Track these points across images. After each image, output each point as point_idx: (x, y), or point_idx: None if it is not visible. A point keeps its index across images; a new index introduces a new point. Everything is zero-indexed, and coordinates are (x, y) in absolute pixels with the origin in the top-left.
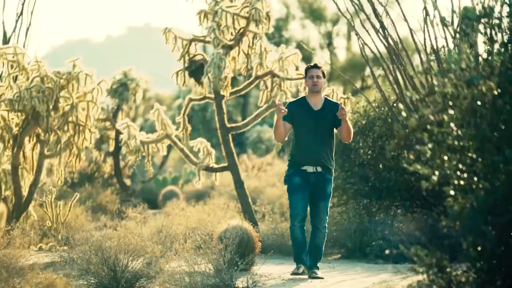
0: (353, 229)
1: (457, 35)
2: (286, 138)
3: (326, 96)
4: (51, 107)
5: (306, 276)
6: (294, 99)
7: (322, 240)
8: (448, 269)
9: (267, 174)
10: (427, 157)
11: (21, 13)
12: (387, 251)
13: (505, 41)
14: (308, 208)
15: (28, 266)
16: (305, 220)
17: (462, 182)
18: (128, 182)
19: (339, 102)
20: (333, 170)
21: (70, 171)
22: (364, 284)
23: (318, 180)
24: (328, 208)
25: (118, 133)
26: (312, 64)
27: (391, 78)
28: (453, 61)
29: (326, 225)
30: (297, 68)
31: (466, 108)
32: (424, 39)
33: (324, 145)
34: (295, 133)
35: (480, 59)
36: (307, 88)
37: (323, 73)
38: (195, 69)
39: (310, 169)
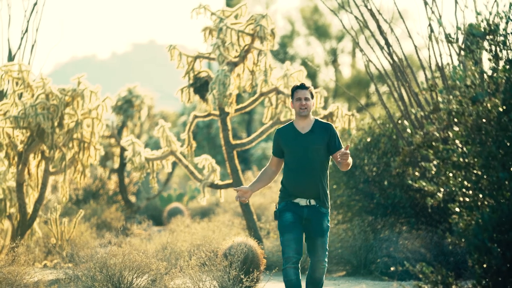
0: (358, 246)
1: (462, 52)
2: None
3: (316, 118)
4: (56, 124)
5: None
6: (281, 126)
7: (322, 274)
8: (453, 286)
9: (272, 191)
10: (432, 174)
11: (26, 30)
12: (392, 268)
13: (510, 58)
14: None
15: (33, 283)
16: (299, 262)
17: (467, 199)
18: (133, 199)
19: (330, 123)
20: (329, 203)
21: (75, 188)
22: None
23: (312, 215)
24: (327, 244)
25: (123, 150)
26: (298, 84)
27: (396, 95)
28: (458, 78)
29: (326, 259)
30: None
31: (471, 125)
32: (429, 56)
33: (316, 173)
34: (285, 161)
35: (485, 76)
36: (293, 111)
37: (311, 93)
38: (200, 86)
39: (302, 202)
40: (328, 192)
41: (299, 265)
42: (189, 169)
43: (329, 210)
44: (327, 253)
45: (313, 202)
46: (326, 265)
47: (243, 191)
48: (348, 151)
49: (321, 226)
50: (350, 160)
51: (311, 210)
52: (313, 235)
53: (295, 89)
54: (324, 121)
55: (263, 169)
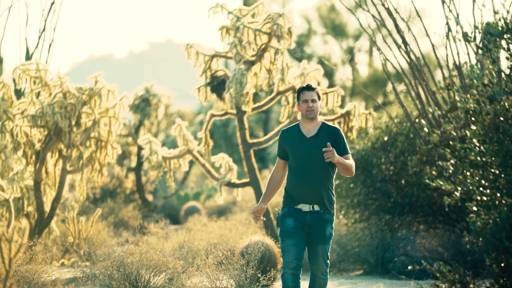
0: (375, 245)
1: (480, 51)
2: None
3: (324, 121)
4: (73, 122)
5: None
6: (286, 127)
7: (323, 286)
8: (471, 285)
9: None
10: (450, 172)
11: (44, 29)
12: (409, 267)
13: None
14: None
15: (50, 281)
16: (299, 268)
17: (485, 198)
18: (150, 197)
19: (337, 127)
20: (333, 210)
21: (92, 186)
22: None
23: (315, 221)
24: (329, 253)
25: (140, 148)
26: (305, 85)
27: (413, 93)
28: (476, 76)
29: (328, 270)
30: (318, 84)
31: (488, 124)
32: (447, 54)
33: (321, 178)
34: (289, 165)
35: (503, 74)
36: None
37: (318, 95)
38: (217, 85)
39: (305, 207)
40: (333, 198)
41: (300, 272)
42: (206, 168)
43: (334, 217)
44: (328, 262)
45: (316, 207)
46: (328, 277)
47: (259, 212)
48: (330, 148)
49: (323, 232)
50: (347, 163)
51: (314, 216)
52: (314, 241)
53: (301, 90)
54: (332, 124)
55: (270, 176)
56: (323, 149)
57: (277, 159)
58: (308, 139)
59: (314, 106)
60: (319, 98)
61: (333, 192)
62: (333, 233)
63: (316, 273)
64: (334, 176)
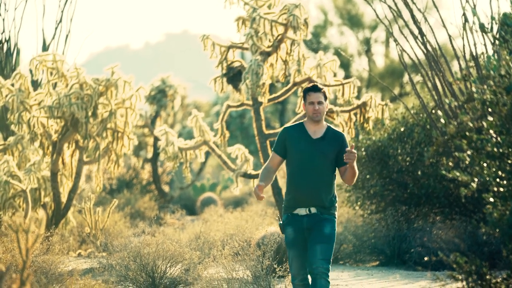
0: (392, 236)
1: (497, 42)
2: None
3: (329, 125)
4: (90, 113)
5: None
6: (291, 124)
7: None
8: (488, 277)
9: None
10: (466, 164)
11: (61, 21)
12: (426, 258)
13: None
14: None
15: (67, 272)
16: (307, 279)
17: (501, 189)
18: (166, 188)
19: (343, 133)
20: (334, 210)
21: (109, 177)
22: None
23: (312, 223)
24: (331, 256)
25: (156, 139)
26: (311, 86)
27: (429, 84)
28: (493, 67)
29: (329, 273)
30: (335, 75)
31: (505, 115)
32: (463, 45)
33: (321, 181)
34: (288, 166)
35: None
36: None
37: (325, 95)
38: (233, 76)
39: (302, 211)
40: (335, 200)
41: (308, 280)
42: (222, 159)
43: (335, 218)
44: (329, 264)
45: (313, 210)
46: (328, 280)
47: (260, 189)
48: (354, 151)
49: (322, 231)
50: (356, 171)
51: (311, 218)
52: (312, 241)
53: (307, 91)
54: (337, 129)
55: (263, 168)
56: (347, 149)
57: (272, 154)
58: (314, 141)
59: (320, 108)
60: (325, 98)
61: (335, 194)
62: (335, 234)
63: (315, 274)
64: (335, 181)
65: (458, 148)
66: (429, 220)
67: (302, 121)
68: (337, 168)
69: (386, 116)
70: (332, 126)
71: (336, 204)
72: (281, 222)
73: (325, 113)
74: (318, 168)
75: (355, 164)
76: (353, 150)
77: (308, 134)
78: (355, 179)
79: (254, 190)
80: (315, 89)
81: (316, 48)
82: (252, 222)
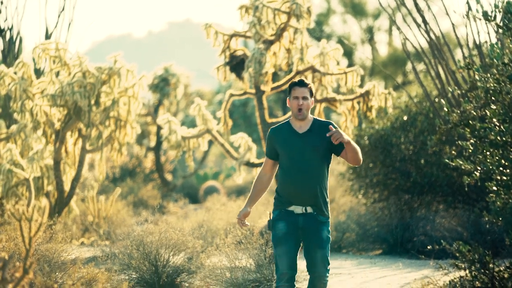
0: (395, 225)
1: (500, 30)
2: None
3: (315, 117)
4: (92, 102)
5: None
6: (276, 125)
7: None
8: (491, 265)
9: None
10: (469, 152)
11: (63, 9)
12: (429, 247)
13: None
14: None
15: (70, 260)
16: (294, 279)
17: (504, 178)
18: (169, 177)
19: (331, 121)
20: (328, 212)
21: (112, 166)
22: (406, 279)
23: (309, 224)
24: (329, 257)
25: (159, 128)
26: (297, 81)
27: (432, 73)
28: (496, 56)
29: (328, 275)
30: (338, 63)
31: (509, 103)
32: (467, 33)
33: (315, 177)
34: (280, 164)
35: None
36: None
37: (310, 91)
38: (236, 64)
39: (298, 209)
40: (327, 199)
41: (294, 283)
42: (225, 147)
43: (329, 219)
44: (329, 267)
45: (309, 209)
46: (328, 280)
47: (245, 216)
48: (334, 129)
49: (320, 236)
50: (356, 146)
51: (307, 218)
52: (312, 247)
53: (292, 85)
54: (324, 119)
55: (256, 178)
56: (327, 134)
57: (265, 159)
58: (301, 135)
59: (304, 104)
60: (311, 95)
61: (327, 193)
62: (330, 237)
63: (316, 280)
64: (329, 176)
65: (461, 137)
66: (432, 208)
67: (288, 119)
68: (341, 157)
69: (389, 104)
70: (318, 118)
71: (328, 202)
72: (270, 218)
73: (309, 109)
74: (309, 162)
75: (349, 139)
76: (333, 130)
77: (294, 130)
78: (360, 156)
79: (238, 217)
80: (301, 83)
81: (319, 36)
82: (255, 211)
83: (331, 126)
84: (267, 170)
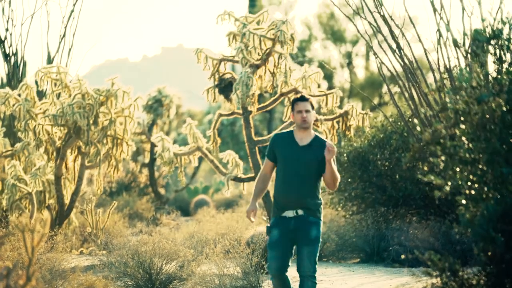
0: (371, 235)
1: (469, 56)
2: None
3: (317, 134)
4: (91, 121)
5: (328, 285)
6: (281, 131)
7: None
8: (460, 273)
9: None
10: (440, 168)
11: (64, 35)
12: (403, 256)
13: None
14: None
15: (70, 268)
16: (283, 274)
17: (473, 192)
18: (162, 191)
19: (328, 141)
20: (320, 213)
21: (109, 181)
22: (383, 286)
23: (299, 225)
24: (317, 256)
25: (153, 145)
26: (299, 96)
27: (406, 95)
28: (465, 79)
29: (316, 275)
30: (319, 86)
31: (476, 123)
32: (438, 59)
33: (307, 185)
34: (277, 170)
35: (490, 77)
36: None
37: (311, 105)
38: (225, 87)
39: (290, 213)
40: (320, 203)
41: (285, 274)
42: (214, 163)
43: (321, 220)
44: (316, 267)
45: (300, 212)
46: (316, 281)
47: (252, 211)
48: (332, 148)
49: (308, 234)
50: (336, 171)
51: (298, 220)
52: (299, 244)
53: (295, 101)
54: (324, 138)
55: (257, 177)
56: (327, 144)
57: (265, 160)
58: (301, 147)
59: (307, 116)
60: (312, 108)
61: (320, 198)
62: (320, 236)
63: (303, 276)
64: (320, 186)
65: (432, 154)
66: (406, 220)
67: (292, 129)
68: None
69: (366, 124)
70: (319, 135)
71: (321, 207)
72: (268, 225)
73: (312, 120)
74: (304, 172)
75: (334, 166)
76: (331, 147)
77: (296, 141)
78: (337, 183)
79: (247, 211)
80: (303, 99)
81: (301, 61)
82: (242, 222)
83: (328, 144)
84: (267, 170)
